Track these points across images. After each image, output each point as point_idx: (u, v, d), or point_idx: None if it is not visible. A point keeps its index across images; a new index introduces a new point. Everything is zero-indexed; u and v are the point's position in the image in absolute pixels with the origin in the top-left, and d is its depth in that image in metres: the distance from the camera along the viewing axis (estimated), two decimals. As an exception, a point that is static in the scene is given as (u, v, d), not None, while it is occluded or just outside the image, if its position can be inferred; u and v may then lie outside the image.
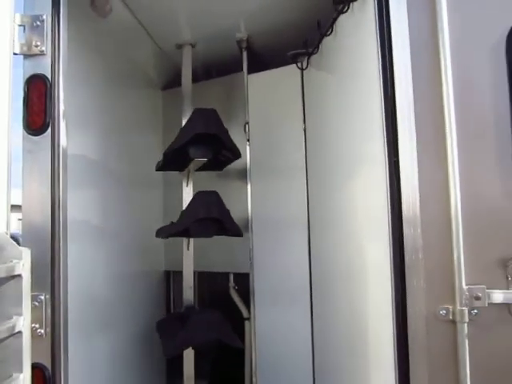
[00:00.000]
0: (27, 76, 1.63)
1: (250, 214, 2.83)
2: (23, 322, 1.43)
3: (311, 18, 2.32)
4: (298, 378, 2.65)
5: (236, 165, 2.79)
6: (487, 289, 1.43)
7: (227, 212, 2.13)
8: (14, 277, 1.39)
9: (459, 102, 1.47)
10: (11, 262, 1.40)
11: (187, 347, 2.16)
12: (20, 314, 1.42)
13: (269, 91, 2.84)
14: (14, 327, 1.40)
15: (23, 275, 1.42)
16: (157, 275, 3.17)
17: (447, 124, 1.47)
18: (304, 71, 2.67)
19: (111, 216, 2.49)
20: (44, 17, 1.63)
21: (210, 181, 2.89)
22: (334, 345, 2.36)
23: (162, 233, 2.38)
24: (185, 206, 2.68)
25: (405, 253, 1.48)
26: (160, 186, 3.28)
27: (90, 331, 2.13)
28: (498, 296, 1.43)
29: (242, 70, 2.86)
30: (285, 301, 2.71)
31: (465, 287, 1.43)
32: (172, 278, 3.31)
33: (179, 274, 3.03)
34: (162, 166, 2.52)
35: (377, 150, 1.62)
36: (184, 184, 2.76)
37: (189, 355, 2.56)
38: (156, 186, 3.23)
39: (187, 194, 2.73)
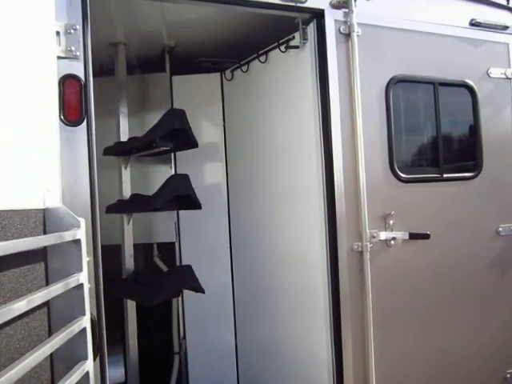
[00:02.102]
0: (62, 75, 1.95)
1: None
2: (83, 277, 1.81)
3: (241, 37, 2.97)
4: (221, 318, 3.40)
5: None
6: (378, 231, 2.49)
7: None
8: (75, 241, 1.75)
9: (364, 118, 2.48)
10: (72, 229, 1.78)
11: (172, 295, 2.69)
12: (80, 270, 1.80)
13: (191, 92, 3.43)
14: (77, 280, 1.78)
15: (82, 239, 1.80)
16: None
17: (357, 128, 2.46)
18: (227, 81, 3.37)
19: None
20: (77, 26, 1.98)
21: (144, 166, 3.40)
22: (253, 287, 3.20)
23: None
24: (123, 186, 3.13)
25: (337, 217, 2.43)
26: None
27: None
28: (382, 235, 2.51)
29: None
30: (207, 259, 3.40)
31: (367, 231, 2.46)
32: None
33: (109, 248, 3.42)
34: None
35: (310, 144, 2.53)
36: (123, 167, 3.17)
37: (131, 309, 3.06)
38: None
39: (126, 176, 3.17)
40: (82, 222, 1.79)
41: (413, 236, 2.58)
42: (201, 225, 3.42)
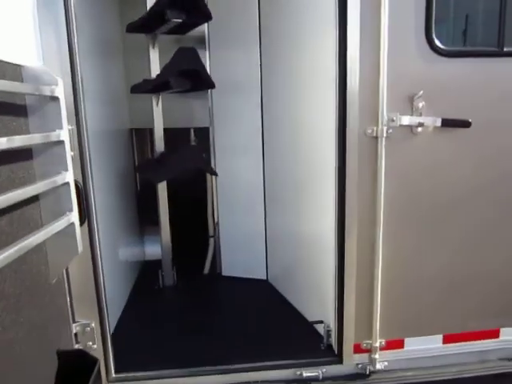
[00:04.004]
0: None
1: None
2: (63, 133, 1.77)
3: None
4: (252, 207, 3.38)
5: (194, 32, 3.17)
6: (400, 115, 2.12)
7: (203, 65, 2.55)
8: (54, 98, 1.70)
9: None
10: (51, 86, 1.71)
11: (178, 173, 2.72)
12: (61, 128, 1.74)
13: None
14: (58, 135, 1.73)
15: (60, 98, 1.72)
16: (125, 132, 3.56)
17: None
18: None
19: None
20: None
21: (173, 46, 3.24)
22: (281, 179, 3.07)
23: (141, 88, 2.75)
24: (152, 66, 3.06)
25: (347, 92, 2.09)
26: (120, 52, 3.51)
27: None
28: (405, 119, 2.13)
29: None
30: (240, 149, 3.32)
31: (385, 113, 2.10)
32: (134, 135, 3.75)
33: (141, 131, 3.51)
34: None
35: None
36: (150, 46, 3.08)
37: (162, 191, 3.17)
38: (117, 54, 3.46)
39: (154, 56, 3.08)
40: (60, 80, 1.77)
41: (447, 123, 2.15)
42: (235, 112, 3.29)
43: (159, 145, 3.20)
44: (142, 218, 3.80)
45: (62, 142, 1.76)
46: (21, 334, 1.53)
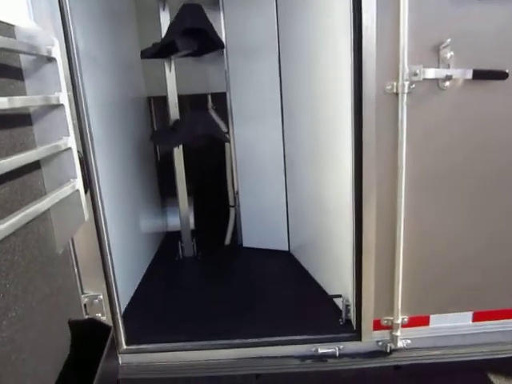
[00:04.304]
0: None
1: (224, 39, 3.06)
2: (62, 96, 1.67)
3: None
4: (273, 175, 3.22)
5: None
6: (423, 67, 1.87)
7: (211, 24, 2.37)
8: (50, 60, 1.59)
9: None
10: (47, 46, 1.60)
11: (187, 139, 2.60)
12: (59, 91, 1.64)
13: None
14: (58, 98, 1.62)
15: (57, 59, 1.61)
16: (141, 101, 3.46)
17: None
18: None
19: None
20: None
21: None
22: (300, 145, 2.88)
23: (148, 52, 2.62)
24: (163, 29, 2.89)
25: (363, 42, 1.86)
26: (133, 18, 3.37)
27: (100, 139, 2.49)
28: (431, 72, 1.88)
29: None
30: (258, 115, 3.14)
31: (406, 66, 1.86)
32: (153, 103, 3.64)
33: (159, 99, 3.39)
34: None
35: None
36: (161, 9, 2.91)
37: (181, 172, 3.08)
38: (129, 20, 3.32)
39: (165, 19, 2.91)
40: (56, 41, 1.66)
41: (479, 75, 1.89)
42: (252, 76, 3.09)
43: (174, 112, 3.08)
44: (163, 188, 3.74)
45: (61, 106, 1.67)
46: (33, 303, 1.52)
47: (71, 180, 1.71)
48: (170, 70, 3.00)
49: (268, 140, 3.14)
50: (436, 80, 1.91)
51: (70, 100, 1.83)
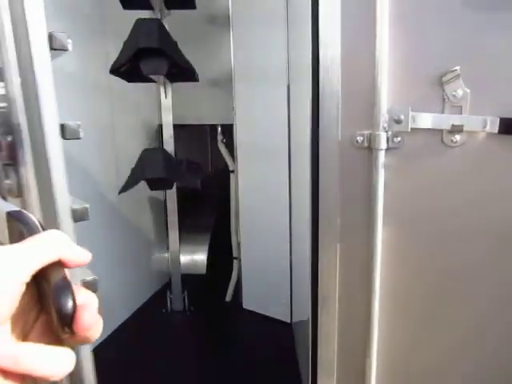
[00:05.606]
0: None
1: (232, 64, 2.61)
2: None
3: None
4: (276, 215, 2.64)
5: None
6: (412, 111, 1.19)
7: (175, 43, 1.91)
8: None
9: None
10: None
11: (137, 182, 2.15)
12: None
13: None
14: None
15: None
16: (151, 129, 3.13)
17: None
18: None
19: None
20: None
21: (191, 24, 2.70)
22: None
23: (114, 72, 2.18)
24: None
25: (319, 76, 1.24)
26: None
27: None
28: (424, 119, 1.19)
29: None
30: (265, 153, 2.60)
31: (385, 108, 1.20)
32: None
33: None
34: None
35: None
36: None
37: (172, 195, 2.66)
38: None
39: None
40: None
41: (510, 126, 1.15)
42: (259, 107, 2.57)
43: (168, 143, 2.67)
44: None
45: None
46: None
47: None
48: (166, 97, 2.61)
49: (274, 187, 2.58)
50: (439, 131, 1.21)
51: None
